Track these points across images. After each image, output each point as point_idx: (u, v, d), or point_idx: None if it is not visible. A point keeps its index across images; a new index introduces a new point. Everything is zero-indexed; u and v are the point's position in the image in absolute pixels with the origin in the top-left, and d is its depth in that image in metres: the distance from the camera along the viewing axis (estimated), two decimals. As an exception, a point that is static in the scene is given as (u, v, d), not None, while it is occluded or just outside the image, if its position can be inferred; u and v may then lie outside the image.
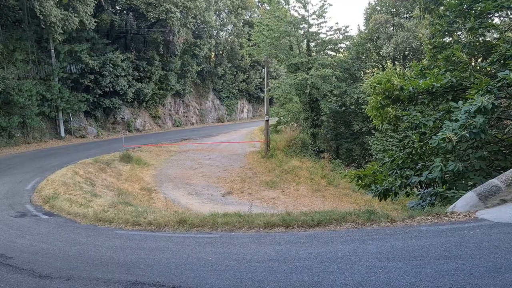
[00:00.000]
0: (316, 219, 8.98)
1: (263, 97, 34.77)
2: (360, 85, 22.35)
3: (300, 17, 27.26)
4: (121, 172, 23.74)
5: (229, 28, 55.08)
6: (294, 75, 25.90)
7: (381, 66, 29.51)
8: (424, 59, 15.09)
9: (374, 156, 22.47)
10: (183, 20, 40.17)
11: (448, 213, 7.94)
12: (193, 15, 42.25)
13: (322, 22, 27.05)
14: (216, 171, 25.83)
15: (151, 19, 38.03)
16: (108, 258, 8.25)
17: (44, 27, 28.77)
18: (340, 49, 28.95)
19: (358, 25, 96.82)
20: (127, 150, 27.03)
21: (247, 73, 57.73)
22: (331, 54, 29.16)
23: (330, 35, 27.52)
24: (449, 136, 8.45)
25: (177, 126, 47.29)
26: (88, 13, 31.38)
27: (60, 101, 32.68)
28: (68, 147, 30.22)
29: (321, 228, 8.78)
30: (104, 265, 7.84)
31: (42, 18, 27.71)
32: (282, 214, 9.77)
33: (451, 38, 12.95)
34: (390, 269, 5.77)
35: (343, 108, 27.98)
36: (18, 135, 30.08)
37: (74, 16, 29.92)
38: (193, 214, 11.60)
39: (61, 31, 29.78)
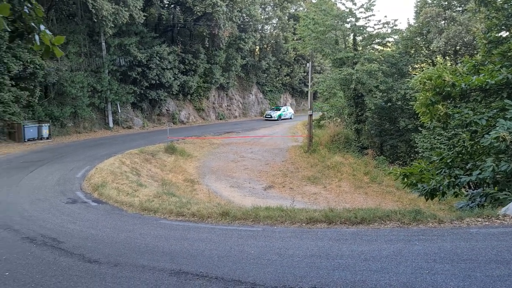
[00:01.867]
0: (359, 216, 8.85)
1: (307, 91, 34.51)
2: (408, 81, 21.70)
3: (347, 10, 26.78)
4: (165, 163, 24.28)
5: (274, 22, 54.89)
6: (339, 70, 25.52)
7: (430, 61, 28.55)
8: (477, 55, 14.47)
9: (420, 154, 21.82)
10: (229, 13, 40.44)
11: (500, 216, 7.62)
12: (238, 9, 42.44)
13: (370, 16, 26.47)
14: (258, 164, 25.94)
15: (198, 13, 38.53)
16: (153, 246, 8.48)
17: (96, 21, 29.77)
18: (388, 43, 28.24)
19: (408, 19, 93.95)
20: (172, 142, 27.60)
21: (291, 67, 57.39)
22: (378, 49, 28.52)
23: (378, 28, 26.87)
24: (503, 135, 8.09)
25: (220, 119, 47.80)
26: (138, 7, 32.19)
27: (109, 92, 33.81)
28: (116, 137, 31.22)
29: (364, 226, 8.64)
30: (149, 253, 8.06)
31: (94, 12, 28.70)
32: (325, 210, 9.70)
33: (508, 33, 12.34)
34: (437, 271, 5.60)
35: (389, 104, 27.32)
36: (69, 124, 31.39)
37: (125, 10, 30.79)
38: (236, 207, 11.72)
39: (112, 25, 30.74)
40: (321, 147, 28.51)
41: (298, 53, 52.21)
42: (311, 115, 29.27)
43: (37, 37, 2.83)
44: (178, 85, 39.50)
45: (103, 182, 15.67)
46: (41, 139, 27.15)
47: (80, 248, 8.65)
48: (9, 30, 2.88)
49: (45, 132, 27.59)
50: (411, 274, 5.67)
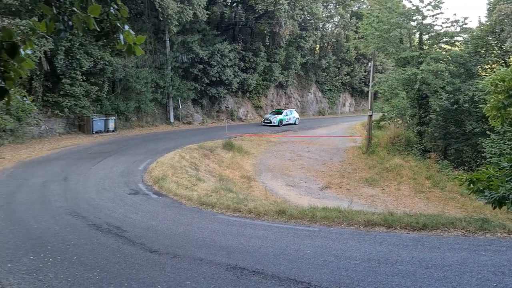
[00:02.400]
0: (421, 222, 8.54)
1: (367, 91, 33.73)
2: (477, 82, 20.55)
3: (413, 8, 25.80)
4: (223, 159, 24.66)
5: (336, 20, 54.08)
6: (403, 70, 24.64)
7: (503, 61, 26.87)
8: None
9: (487, 160, 20.62)
10: (290, 11, 40.35)
11: None
12: (300, 7, 42.22)
13: (438, 14, 25.32)
14: (314, 164, 25.70)
15: (259, 11, 38.74)
16: (210, 240, 8.65)
17: (161, 19, 30.80)
18: (456, 43, 26.90)
19: (479, 17, 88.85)
20: (230, 138, 27.99)
21: (352, 66, 56.30)
22: (445, 48, 27.25)
23: (446, 27, 25.65)
24: None
25: (278, 117, 47.88)
26: (201, 5, 32.94)
27: (172, 88, 34.87)
28: (176, 132, 32.14)
29: (426, 232, 8.33)
30: (207, 247, 8.23)
31: (160, 10, 29.72)
32: (384, 214, 9.45)
33: None
34: (506, 284, 5.29)
35: (455, 106, 26.03)
36: (133, 118, 32.71)
37: (189, 9, 31.65)
38: (292, 206, 11.69)
39: (176, 23, 31.68)
40: (380, 149, 27.74)
41: (359, 52, 51.14)
42: (371, 116, 28.56)
43: (121, 36, 2.97)
44: (238, 83, 39.99)
45: (163, 175, 16.18)
46: (107, 131, 28.52)
47: (141, 237, 9.00)
48: (98, 29, 3.05)
49: (111, 125, 28.96)
50: (476, 286, 5.39)
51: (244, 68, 40.59)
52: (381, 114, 35.80)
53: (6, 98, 2.18)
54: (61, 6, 2.77)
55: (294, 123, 40.63)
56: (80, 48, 26.04)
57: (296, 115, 42.07)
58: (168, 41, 34.36)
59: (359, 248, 7.58)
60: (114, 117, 29.39)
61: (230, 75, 37.83)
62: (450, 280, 5.69)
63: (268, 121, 38.79)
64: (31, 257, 8.03)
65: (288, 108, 44.53)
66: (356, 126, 40.59)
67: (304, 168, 24.52)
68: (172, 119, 35.99)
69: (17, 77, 2.14)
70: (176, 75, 35.42)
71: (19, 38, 2.15)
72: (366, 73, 55.39)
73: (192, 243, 8.55)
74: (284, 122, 39.44)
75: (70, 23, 2.84)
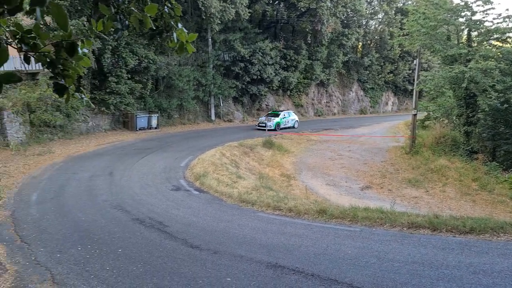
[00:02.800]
0: (468, 225, 8.24)
1: (411, 89, 32.79)
2: (530, 81, 19.59)
3: (462, 3, 24.85)
4: (263, 157, 24.72)
5: (380, 17, 52.96)
6: (450, 68, 23.80)
7: (558, 59, 25.45)
8: None
9: (540, 162, 19.65)
10: (333, 9, 39.87)
11: None
12: (343, 4, 41.63)
13: (489, 9, 24.26)
14: (355, 163, 25.31)
15: (301, 9, 38.53)
16: (250, 238, 8.69)
17: (204, 18, 31.20)
18: (508, 39, 25.68)
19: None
20: (270, 136, 28.01)
21: (395, 64, 54.92)
22: (495, 45, 26.09)
23: (497, 23, 24.50)
24: None
25: (319, 115, 47.45)
26: (244, 4, 33.10)
27: (213, 86, 35.26)
28: (217, 130, 32.50)
29: (473, 236, 8.03)
30: (247, 244, 8.27)
31: (203, 9, 30.12)
32: (429, 216, 9.19)
33: None
34: (562, 294, 5.02)
35: (506, 105, 24.88)
36: (175, 116, 33.34)
37: (231, 7, 31.90)
38: (333, 205, 11.56)
39: (219, 22, 32.00)
40: (425, 149, 26.95)
41: (404, 49, 49.75)
42: (415, 115, 27.78)
43: (174, 34, 3.04)
44: (279, 81, 39.94)
45: (204, 172, 16.39)
46: (150, 128, 29.21)
47: (183, 233, 9.16)
48: (154, 28, 3.13)
49: (154, 122, 29.63)
50: (529, 294, 5.15)
51: (285, 66, 40.48)
52: (425, 113, 34.75)
53: (65, 95, 2.28)
54: (119, 6, 2.86)
55: (293, 127, 35.24)
56: (125, 47, 26.78)
57: (295, 117, 36.70)
58: (210, 40, 34.77)
59: (402, 251, 7.40)
60: (157, 114, 30.05)
61: (271, 73, 37.83)
62: (500, 287, 5.46)
63: (263, 125, 32.27)
64: (79, 249, 8.34)
65: (287, 109, 38.70)
66: (399, 126, 39.65)
67: (344, 168, 24.21)
68: (213, 117, 36.42)
69: (75, 75, 2.23)
70: (217, 73, 35.79)
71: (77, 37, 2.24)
72: (410, 71, 53.92)
73: (232, 240, 8.62)
74: (282, 125, 33.94)
75: (127, 22, 2.93)
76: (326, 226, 9.42)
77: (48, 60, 2.13)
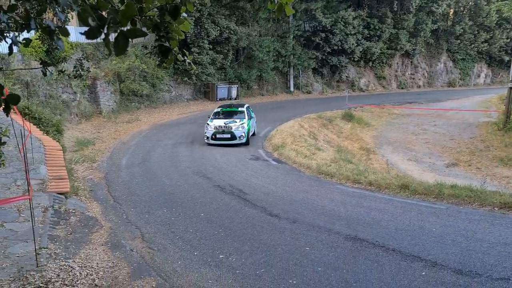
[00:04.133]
0: None
1: (508, 60, 30.08)
2: None
3: None
4: (342, 130, 24.27)
5: (475, -20, 48.71)
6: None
7: None
8: None
9: None
10: (422, -27, 37.34)
11: None
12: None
13: None
14: (441, 139, 24.00)
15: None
16: (329, 209, 8.65)
17: (285, -14, 30.67)
18: None
19: None
20: (349, 109, 27.35)
21: (491, 32, 50.27)
22: None
23: None
24: None
25: (402, 88, 45.33)
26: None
27: (293, 57, 34.92)
28: (295, 101, 32.32)
29: None
30: (325, 216, 8.26)
31: (284, -23, 29.58)
32: (525, 197, 8.52)
33: None
34: None
35: None
36: (254, 87, 33.60)
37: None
38: (416, 181, 11.12)
39: (300, -10, 31.36)
40: (521, 125, 24.84)
41: (502, 15, 45.51)
42: (511, 88, 25.58)
43: None
44: (360, 52, 38.56)
45: (282, 143, 16.46)
46: (230, 99, 29.74)
47: (262, 201, 9.34)
48: None
49: (233, 92, 30.13)
50: None
51: (368, 36, 38.88)
52: (523, 86, 31.82)
53: (170, 57, 2.37)
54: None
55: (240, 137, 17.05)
56: (208, 18, 27.21)
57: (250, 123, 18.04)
58: (291, 9, 34.24)
59: (493, 231, 6.96)
60: (237, 85, 30.49)
61: (352, 44, 36.60)
62: None
63: (228, 136, 16.38)
64: (165, 211, 8.84)
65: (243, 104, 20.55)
66: (492, 100, 36.74)
67: (428, 143, 23.08)
68: (292, 88, 36.23)
69: (176, 37, 2.30)
70: (297, 44, 35.31)
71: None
72: (508, 40, 49.30)
73: (311, 210, 8.64)
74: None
75: None
76: (408, 201, 9.10)
77: (152, 23, 2.21)
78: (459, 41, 49.41)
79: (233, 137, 16.19)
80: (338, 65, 38.01)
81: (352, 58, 38.69)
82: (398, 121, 28.11)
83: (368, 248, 6.58)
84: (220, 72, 30.52)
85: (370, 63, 42.08)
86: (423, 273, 5.64)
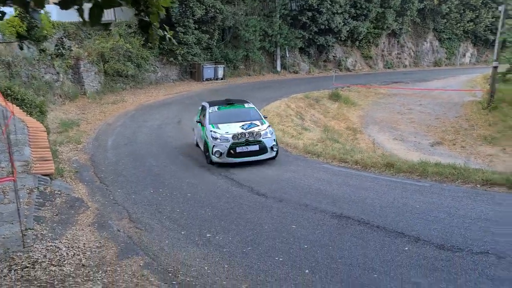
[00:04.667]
0: (550, 185, 7.72)
1: (493, 40, 30.24)
2: None
3: None
4: (328, 110, 24.33)
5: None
6: (540, 15, 21.67)
7: None
8: None
9: None
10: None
11: None
12: None
13: None
14: (426, 118, 24.23)
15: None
16: (315, 188, 8.73)
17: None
18: None
19: None
20: (336, 89, 27.36)
21: (477, 11, 50.39)
22: None
23: None
24: None
25: (388, 67, 45.40)
26: None
27: (279, 37, 34.62)
28: (282, 81, 32.20)
29: (555, 196, 7.53)
30: (312, 194, 8.34)
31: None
32: (506, 173, 8.69)
33: None
34: None
35: None
36: (241, 67, 33.34)
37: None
38: (401, 160, 11.25)
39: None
40: (505, 105, 25.13)
41: (488, -5, 45.49)
42: (496, 67, 25.78)
43: None
44: (347, 31, 38.38)
45: (269, 123, 16.41)
46: (216, 79, 29.52)
47: (249, 181, 9.39)
48: None
49: (220, 73, 29.86)
50: None
51: (355, 15, 38.64)
52: (508, 65, 32.13)
53: (150, 32, 2.33)
54: None
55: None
56: (193, -4, 26.78)
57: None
58: (277, -13, 33.86)
59: (474, 207, 7.11)
60: (223, 65, 30.22)
61: (339, 23, 36.40)
62: None
63: (255, 149, 10.89)
64: (152, 191, 8.84)
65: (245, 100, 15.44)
66: (477, 79, 37.05)
67: (414, 122, 23.30)
68: (278, 68, 36.04)
69: (156, 12, 2.26)
70: (284, 23, 34.98)
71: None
72: (493, 19, 49.41)
73: (297, 189, 8.71)
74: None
75: None
76: (393, 180, 9.22)
77: (131, -3, 2.17)
78: (445, 20, 49.43)
79: (263, 148, 10.84)
80: (325, 45, 37.84)
81: (339, 38, 38.51)
82: (385, 101, 28.25)
83: (354, 226, 6.68)
84: (206, 52, 30.20)
85: (357, 43, 41.94)
86: (406, 248, 5.77)
